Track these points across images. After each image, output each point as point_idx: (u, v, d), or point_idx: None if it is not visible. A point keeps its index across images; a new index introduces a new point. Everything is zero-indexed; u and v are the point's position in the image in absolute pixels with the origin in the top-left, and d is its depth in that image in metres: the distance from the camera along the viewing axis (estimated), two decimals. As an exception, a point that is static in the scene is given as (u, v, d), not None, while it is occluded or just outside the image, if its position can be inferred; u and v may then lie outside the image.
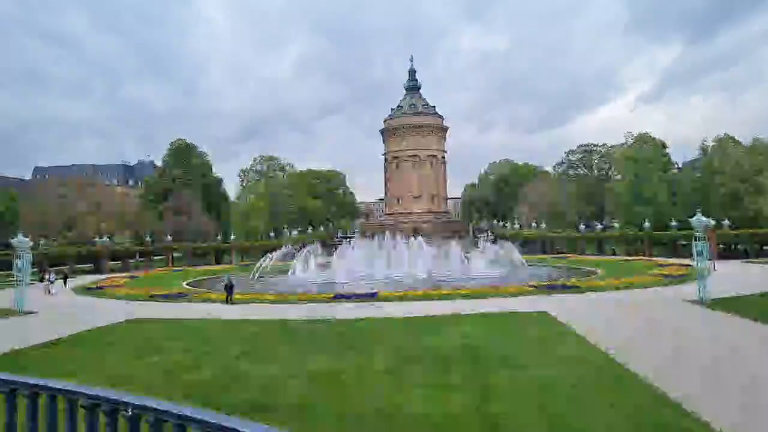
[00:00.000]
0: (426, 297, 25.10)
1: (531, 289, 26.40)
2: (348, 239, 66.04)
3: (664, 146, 71.66)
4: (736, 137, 63.24)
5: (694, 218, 21.17)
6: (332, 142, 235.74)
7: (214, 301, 26.39)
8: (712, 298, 20.51)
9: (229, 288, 25.77)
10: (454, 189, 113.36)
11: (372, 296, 25.87)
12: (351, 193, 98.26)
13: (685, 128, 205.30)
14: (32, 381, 2.94)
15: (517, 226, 77.91)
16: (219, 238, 70.29)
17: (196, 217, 67.21)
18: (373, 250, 45.89)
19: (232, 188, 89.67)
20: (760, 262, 40.51)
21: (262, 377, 11.27)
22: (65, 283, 34.13)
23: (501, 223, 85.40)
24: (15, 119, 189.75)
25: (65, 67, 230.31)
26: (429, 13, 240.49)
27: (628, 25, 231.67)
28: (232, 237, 70.34)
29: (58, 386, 2.84)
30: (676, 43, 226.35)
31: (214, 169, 79.80)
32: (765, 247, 50.54)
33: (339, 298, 25.82)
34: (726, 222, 50.86)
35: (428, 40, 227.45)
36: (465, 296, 24.87)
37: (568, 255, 56.85)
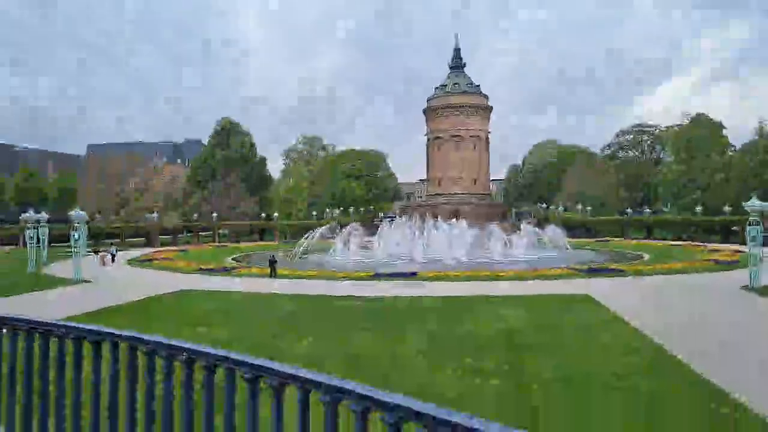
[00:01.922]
0: (466, 278, 25.06)
1: (573, 272, 25.96)
2: (389, 220, 66.31)
3: (721, 127, 68.27)
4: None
5: (749, 202, 20.22)
6: (377, 124, 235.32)
7: (258, 276, 27.22)
8: (765, 285, 19.69)
9: (272, 263, 26.53)
10: (498, 171, 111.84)
11: (412, 275, 26.06)
12: (392, 174, 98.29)
13: (752, 109, 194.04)
14: (95, 328, 3.23)
15: (560, 209, 76.20)
16: (263, 216, 72.01)
17: (238, 196, 69.08)
18: (413, 231, 46.00)
19: (276, 169, 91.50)
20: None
21: (299, 354, 11.61)
22: (113, 259, 35.87)
23: (544, 206, 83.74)
24: (70, 98, 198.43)
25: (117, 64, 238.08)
26: None
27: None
28: (275, 215, 71.86)
29: (121, 333, 3.11)
30: (745, 19, 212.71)
31: (258, 150, 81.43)
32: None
33: (379, 276, 26.14)
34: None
35: (478, 18, 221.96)
36: (505, 278, 24.70)
37: (613, 240, 55.38)
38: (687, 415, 7.80)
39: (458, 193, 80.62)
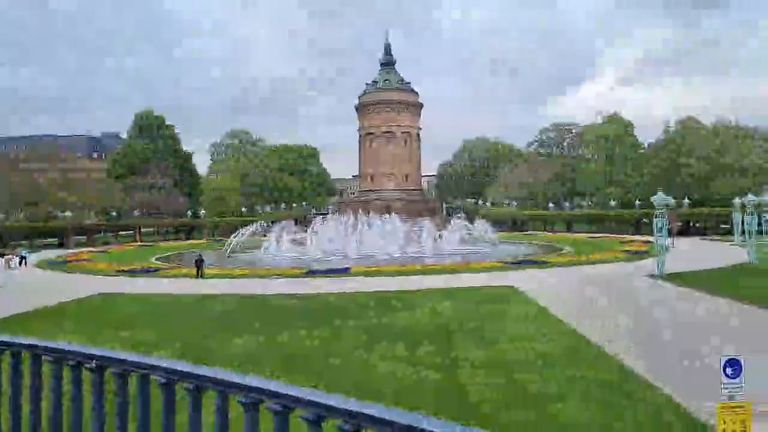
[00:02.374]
0: (398, 273, 25.44)
1: (500, 264, 27.01)
2: (322, 216, 65.95)
3: (632, 126, 73.21)
4: (699, 119, 64.86)
5: (655, 197, 21.93)
6: (310, 120, 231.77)
7: (184, 276, 26.22)
8: (669, 273, 21.45)
9: (199, 263, 25.62)
10: (429, 167, 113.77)
11: (345, 271, 26.11)
12: (325, 170, 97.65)
13: (661, 110, 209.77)
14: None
15: (489, 204, 78.91)
16: (189, 213, 69.34)
17: (164, 192, 66.02)
18: (346, 227, 46.00)
19: (204, 163, 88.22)
20: (715, 239, 42.21)
21: (231, 354, 11.34)
22: (23, 262, 33.27)
23: (474, 202, 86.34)
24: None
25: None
26: None
27: (617, 5, 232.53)
28: (203, 213, 69.38)
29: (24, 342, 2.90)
30: (658, 27, 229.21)
31: (190, 146, 78.22)
32: (722, 226, 52.38)
33: (312, 273, 25.97)
34: (686, 201, 52.55)
35: (411, 15, 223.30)
36: (436, 272, 25.32)
37: (539, 233, 58.07)
38: (614, 397, 8.35)
39: (390, 189, 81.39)
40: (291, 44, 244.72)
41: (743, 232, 30.81)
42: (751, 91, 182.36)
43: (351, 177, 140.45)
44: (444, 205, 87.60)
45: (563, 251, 36.47)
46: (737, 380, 5.46)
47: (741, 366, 5.48)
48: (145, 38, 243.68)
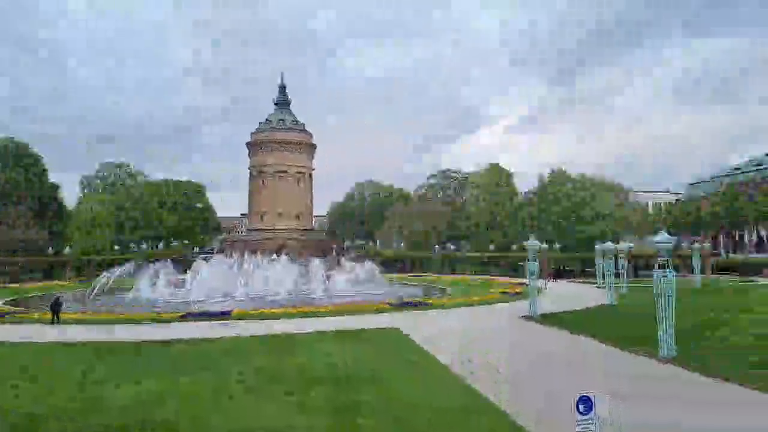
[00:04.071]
0: (284, 315, 24.60)
1: (386, 306, 27.22)
2: (205, 256, 62.59)
3: (510, 176, 79.36)
4: (567, 171, 72.00)
5: (528, 242, 23.61)
6: (199, 154, 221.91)
7: (37, 321, 23.20)
8: (541, 313, 22.99)
9: (55, 306, 22.85)
10: (322, 207, 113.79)
11: (226, 315, 24.73)
12: (212, 206, 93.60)
13: (543, 159, 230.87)
14: None
15: (379, 246, 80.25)
16: (50, 251, 62.37)
17: (21, 227, 58.92)
18: (232, 267, 44.04)
19: (74, 196, 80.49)
20: (583, 282, 46.36)
21: (89, 408, 10.06)
22: None
23: (365, 243, 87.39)
24: None
25: None
26: (317, 29, 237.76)
27: (509, 59, 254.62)
28: (67, 250, 62.82)
29: None
30: (543, 82, 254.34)
31: (62, 178, 70.96)
32: (587, 269, 57.69)
33: (189, 317, 24.25)
34: (557, 245, 57.43)
35: (311, 57, 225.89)
36: (323, 314, 24.88)
37: (426, 275, 59.82)
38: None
39: (282, 229, 79.92)
40: (178, 74, 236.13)
41: (603, 275, 34.04)
42: (618, 146, 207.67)
43: (239, 215, 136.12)
44: (336, 246, 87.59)
45: (446, 292, 37.78)
46: (588, 416, 5.83)
47: (592, 403, 5.87)
48: (24, 66, 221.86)
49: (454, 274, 62.07)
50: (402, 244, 76.00)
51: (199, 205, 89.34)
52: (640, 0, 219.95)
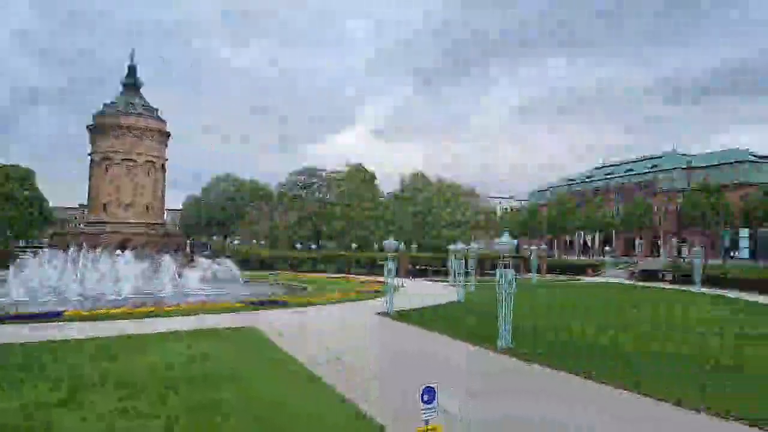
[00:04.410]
0: (126, 316, 22.48)
1: (242, 305, 26.29)
2: (34, 250, 55.09)
3: (374, 177, 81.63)
4: (426, 175, 76.20)
5: (386, 241, 24.50)
6: (30, 141, 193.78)
7: None
8: (397, 310, 23.99)
9: None
10: (177, 201, 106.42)
11: (57, 315, 21.92)
12: (42, 195, 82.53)
13: (406, 163, 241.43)
14: None
15: (237, 243, 77.38)
16: None
17: None
18: (67, 263, 39.27)
19: None
20: (438, 281, 49.35)
21: None
22: None
23: (222, 240, 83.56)
24: None
25: None
26: (181, 20, 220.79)
27: (373, 64, 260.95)
28: None
29: None
30: (409, 89, 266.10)
31: None
32: (442, 268, 61.55)
33: (7, 319, 21.06)
34: (414, 245, 60.41)
35: (179, 41, 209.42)
36: (174, 314, 23.24)
37: (286, 273, 59.04)
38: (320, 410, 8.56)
39: (128, 222, 73.24)
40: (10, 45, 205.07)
41: (456, 274, 36.55)
42: (471, 152, 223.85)
43: (78, 206, 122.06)
44: (190, 242, 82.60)
45: (306, 291, 37.65)
46: (432, 405, 6.20)
47: (435, 393, 6.25)
48: None
49: (315, 272, 62.14)
50: (262, 241, 74.07)
51: (27, 192, 78.40)
52: (506, 17, 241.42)
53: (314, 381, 11.72)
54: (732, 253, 75.53)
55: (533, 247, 58.16)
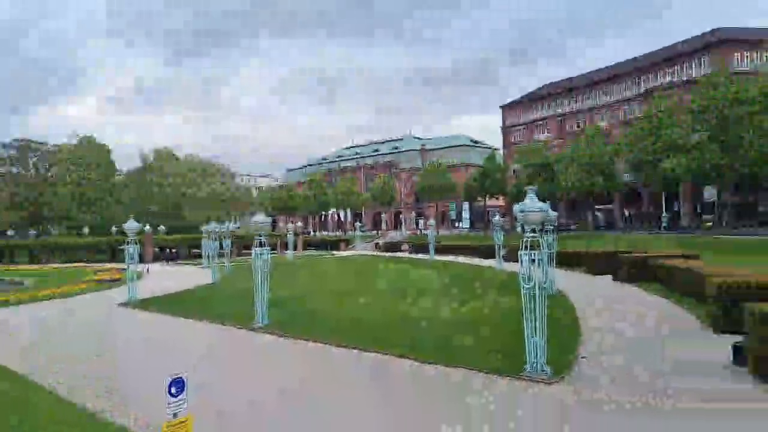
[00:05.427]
0: None
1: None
2: None
3: (109, 152, 71.87)
4: (174, 151, 70.41)
5: (126, 224, 21.59)
6: None
7: None
8: (141, 298, 21.70)
9: None
10: None
11: None
12: None
13: (147, 139, 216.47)
14: None
15: None
16: None
17: None
18: None
19: None
20: (191, 264, 46.40)
21: None
22: None
23: None
24: None
25: None
26: None
27: (111, 27, 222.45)
28: None
29: None
30: (154, 61, 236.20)
31: None
32: (194, 250, 58.02)
33: None
34: (162, 227, 55.42)
35: None
36: None
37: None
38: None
39: None
40: None
41: (209, 256, 34.82)
42: (224, 130, 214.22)
43: None
44: None
45: (23, 286, 31.30)
46: (180, 397, 5.62)
47: (184, 384, 5.68)
48: None
49: (35, 263, 52.33)
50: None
51: None
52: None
53: (51, 390, 9.74)
54: (456, 224, 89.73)
55: (290, 225, 59.17)
